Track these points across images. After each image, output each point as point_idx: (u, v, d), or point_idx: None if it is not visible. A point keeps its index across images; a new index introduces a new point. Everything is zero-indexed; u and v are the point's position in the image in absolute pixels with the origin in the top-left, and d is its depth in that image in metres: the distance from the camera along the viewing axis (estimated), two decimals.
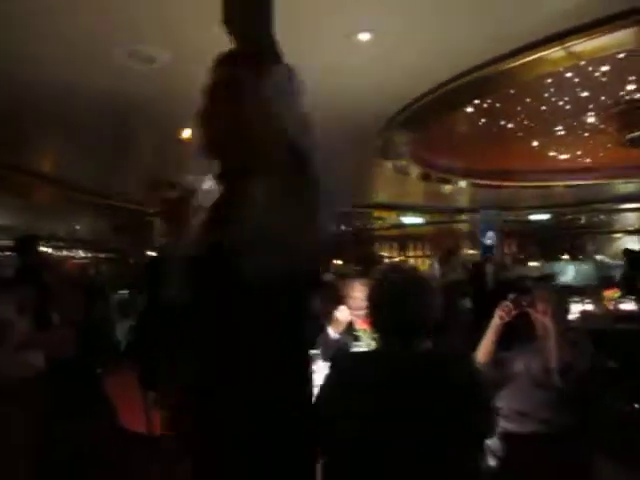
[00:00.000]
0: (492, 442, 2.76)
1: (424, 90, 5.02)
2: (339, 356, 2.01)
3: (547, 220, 14.63)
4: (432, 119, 5.72)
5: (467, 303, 8.54)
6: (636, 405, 4.67)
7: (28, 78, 4.59)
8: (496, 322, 2.78)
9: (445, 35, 4.01)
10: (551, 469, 2.50)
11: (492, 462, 2.68)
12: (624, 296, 7.05)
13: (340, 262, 13.67)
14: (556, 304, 2.71)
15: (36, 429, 2.41)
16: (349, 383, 1.66)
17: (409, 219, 14.65)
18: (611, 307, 6.67)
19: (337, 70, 4.53)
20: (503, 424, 2.73)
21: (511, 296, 2.80)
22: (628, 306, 6.52)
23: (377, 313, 1.80)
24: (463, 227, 15.94)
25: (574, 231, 15.99)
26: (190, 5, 3.44)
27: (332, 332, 3.23)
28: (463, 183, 10.00)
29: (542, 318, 2.72)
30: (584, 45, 3.97)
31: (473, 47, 4.17)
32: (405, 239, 17.73)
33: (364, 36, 3.84)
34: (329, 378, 1.71)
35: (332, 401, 1.64)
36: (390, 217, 14.61)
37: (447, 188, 10.53)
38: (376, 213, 14.17)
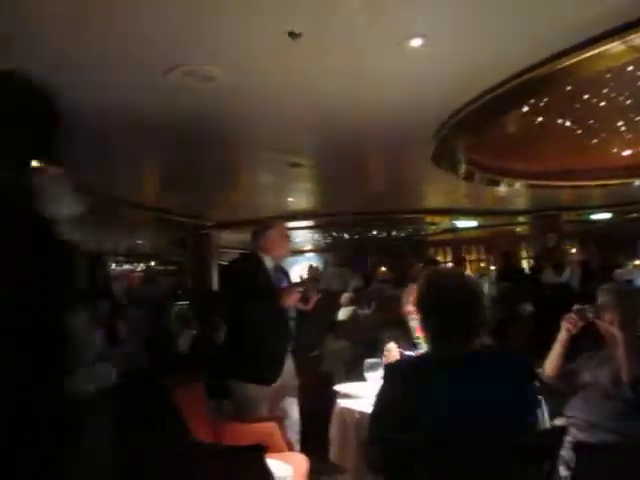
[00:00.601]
0: (565, 452, 2.69)
1: (477, 93, 4.95)
2: (392, 366, 2.06)
3: (609, 219, 14.04)
4: (486, 122, 5.62)
5: (528, 307, 8.35)
6: None
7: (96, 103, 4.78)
8: (563, 335, 2.71)
9: (497, 36, 3.94)
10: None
11: (564, 472, 2.60)
12: None
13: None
14: (625, 310, 2.60)
15: (112, 440, 2.50)
16: (408, 389, 1.73)
17: (462, 223, 14.41)
18: None
19: (389, 76, 4.55)
20: (574, 434, 2.66)
21: (576, 307, 2.71)
22: None
23: (426, 318, 1.86)
24: (521, 229, 15.53)
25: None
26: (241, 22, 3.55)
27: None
28: (518, 184, 9.76)
29: (609, 327, 2.63)
30: None
31: (526, 47, 4.08)
32: (459, 243, 17.45)
33: (416, 42, 3.83)
34: (388, 388, 1.81)
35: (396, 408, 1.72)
36: (443, 221, 14.42)
37: (503, 190, 10.30)
38: (429, 218, 14.02)
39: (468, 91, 4.97)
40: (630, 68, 4.71)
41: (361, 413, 2.82)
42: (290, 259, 17.58)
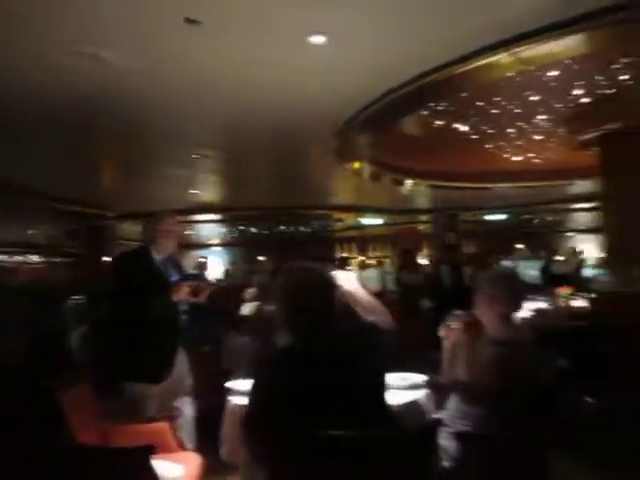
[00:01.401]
0: (446, 443, 2.80)
1: (379, 93, 5.07)
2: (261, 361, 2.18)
3: (503, 220, 14.99)
4: (388, 122, 5.78)
5: (427, 303, 8.70)
6: (590, 399, 4.82)
7: None
8: (445, 345, 2.80)
9: (398, 39, 4.05)
10: (505, 468, 2.54)
11: (446, 463, 2.71)
12: (576, 293, 7.27)
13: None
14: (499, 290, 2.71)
15: None
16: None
17: (368, 220, 14.77)
18: (564, 304, 6.87)
19: (292, 71, 4.54)
20: (457, 425, 2.77)
21: (453, 312, 2.83)
22: (580, 303, 6.70)
23: (286, 312, 1.94)
24: (424, 228, 16.18)
25: (529, 230, 16.44)
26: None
27: None
28: (421, 185, 10.17)
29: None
30: (532, 51, 4.07)
31: (425, 51, 4.23)
32: (365, 240, 17.87)
33: (318, 39, 3.84)
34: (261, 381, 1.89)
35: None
36: (349, 218, 14.71)
37: (406, 189, 10.68)
38: (336, 215, 14.26)
39: (369, 91, 5.07)
40: (519, 79, 4.99)
41: None
42: (195, 253, 17.26)
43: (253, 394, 1.91)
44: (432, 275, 10.11)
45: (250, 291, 7.98)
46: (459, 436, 2.73)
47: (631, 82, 5.37)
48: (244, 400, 2.88)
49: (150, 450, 2.37)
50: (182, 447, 3.24)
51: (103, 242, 11.94)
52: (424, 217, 14.87)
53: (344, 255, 17.47)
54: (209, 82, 4.78)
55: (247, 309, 7.38)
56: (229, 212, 12.87)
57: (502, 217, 14.70)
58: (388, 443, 1.79)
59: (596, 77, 5.34)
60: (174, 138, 6.66)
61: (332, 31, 3.80)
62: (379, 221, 14.97)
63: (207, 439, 3.32)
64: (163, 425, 3.19)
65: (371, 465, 1.75)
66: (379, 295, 9.10)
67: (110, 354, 3.60)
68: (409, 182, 9.83)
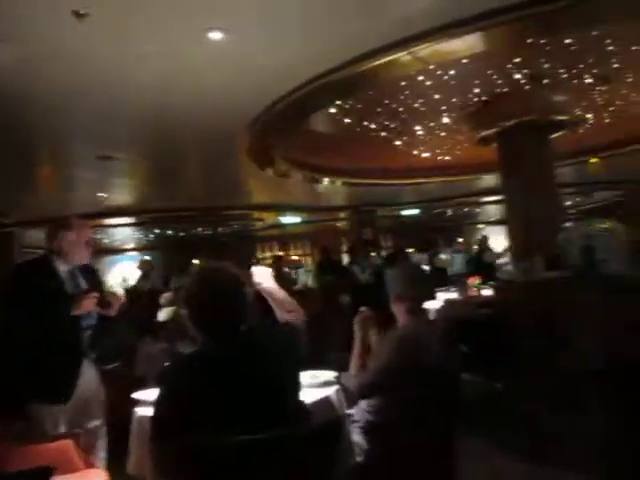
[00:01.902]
0: (358, 437, 2.83)
1: (285, 91, 5.05)
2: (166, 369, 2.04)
3: (417, 215, 15.48)
4: (296, 120, 5.78)
5: (346, 298, 8.83)
6: (498, 385, 5.07)
7: None
8: (357, 335, 2.85)
9: (301, 36, 4.05)
10: (411, 455, 2.60)
11: (359, 458, 2.74)
12: (485, 283, 7.61)
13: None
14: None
15: None
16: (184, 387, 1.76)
17: (288, 219, 14.78)
18: (474, 294, 7.18)
19: (196, 68, 4.44)
20: (366, 418, 2.81)
21: (362, 309, 2.89)
22: (488, 292, 7.02)
23: (194, 313, 1.90)
24: (342, 225, 16.39)
25: (442, 224, 17.09)
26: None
27: None
28: (337, 182, 10.28)
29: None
30: (429, 50, 4.20)
31: (328, 49, 4.26)
32: (286, 239, 17.89)
33: (216, 35, 3.76)
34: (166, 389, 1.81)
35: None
36: (269, 217, 14.66)
37: (322, 187, 10.78)
38: (255, 214, 14.16)
39: (276, 89, 5.05)
40: (421, 77, 5.16)
41: None
42: (110, 259, 16.59)
43: (159, 403, 1.83)
44: (350, 271, 10.30)
45: (166, 295, 7.74)
46: (366, 428, 2.78)
47: (524, 80, 5.69)
48: (150, 411, 2.80)
49: (48, 472, 2.25)
50: (88, 464, 3.09)
51: (5, 250, 11.14)
52: (342, 214, 15.06)
53: (266, 254, 17.39)
54: (104, 80, 4.55)
55: (163, 314, 7.16)
56: (143, 215, 12.41)
57: (416, 212, 15.16)
58: (299, 443, 1.78)
59: (493, 76, 5.62)
60: (77, 139, 6.34)
61: (231, 27, 3.73)
62: (298, 219, 15.01)
63: (119, 454, 3.18)
64: (66, 443, 3.01)
65: (282, 466, 1.73)
66: (299, 293, 9.16)
67: (8, 373, 3.33)
68: (325, 180, 9.92)
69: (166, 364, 3.15)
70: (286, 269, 11.76)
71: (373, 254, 10.77)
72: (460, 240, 12.33)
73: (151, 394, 3.07)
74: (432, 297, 2.81)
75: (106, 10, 3.41)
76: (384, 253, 11.86)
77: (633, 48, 5.13)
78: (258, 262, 12.25)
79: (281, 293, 2.67)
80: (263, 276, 2.62)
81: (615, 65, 5.52)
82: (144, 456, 2.85)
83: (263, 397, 1.78)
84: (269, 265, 10.73)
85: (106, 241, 14.98)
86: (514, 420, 4.33)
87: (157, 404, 1.84)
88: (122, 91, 4.86)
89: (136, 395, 3.14)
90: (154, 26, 3.70)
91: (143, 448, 2.85)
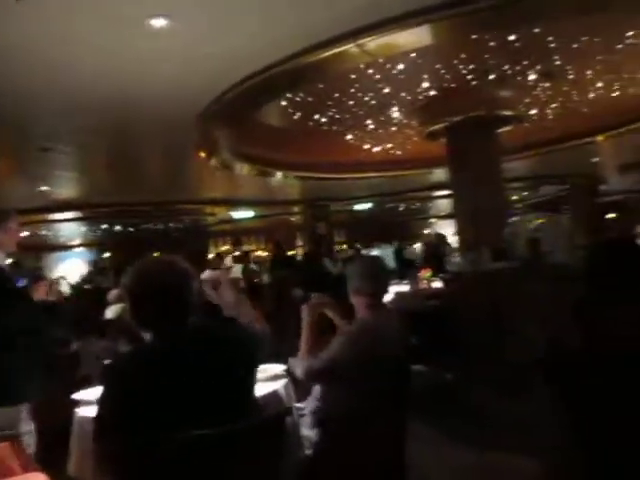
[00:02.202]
0: (308, 431, 2.82)
1: (233, 81, 4.96)
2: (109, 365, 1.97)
3: (370, 209, 15.60)
4: (245, 112, 5.69)
5: (299, 292, 8.81)
6: (448, 375, 5.17)
7: None
8: (305, 320, 2.83)
9: (245, 27, 3.98)
10: (367, 445, 2.60)
11: (308, 451, 2.73)
12: (435, 275, 7.74)
13: None
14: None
15: None
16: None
17: (240, 213, 14.64)
18: (425, 286, 7.29)
19: (137, 56, 4.29)
20: (318, 411, 2.80)
21: (313, 295, 2.90)
22: (438, 284, 7.14)
23: (137, 307, 1.83)
24: (296, 219, 16.36)
25: (395, 218, 17.32)
26: None
27: None
28: (289, 176, 10.24)
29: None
30: (377, 43, 4.21)
31: (273, 41, 4.21)
32: (239, 233, 17.72)
33: (158, 22, 3.64)
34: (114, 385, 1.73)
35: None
36: (222, 212, 14.48)
37: (275, 181, 10.71)
38: (208, 208, 13.95)
39: (224, 79, 4.94)
40: (370, 71, 5.17)
41: None
42: (56, 255, 16.04)
43: (103, 401, 1.74)
44: (304, 265, 10.30)
45: (114, 292, 7.50)
46: (315, 421, 2.78)
47: (471, 76, 5.79)
48: (93, 410, 2.70)
49: None
50: (27, 468, 2.96)
51: None
52: (295, 209, 15.03)
53: (219, 249, 17.17)
54: (44, 69, 4.35)
55: (110, 312, 6.94)
56: (90, 210, 12.01)
57: (369, 206, 15.28)
58: (245, 437, 1.74)
59: (441, 71, 5.69)
60: (17, 130, 6.05)
61: (175, 14, 3.62)
62: (251, 214, 14.89)
63: (59, 455, 3.07)
64: (1, 447, 2.89)
65: (229, 461, 1.69)
66: (253, 287, 9.10)
67: None
68: (278, 174, 9.86)
69: (108, 361, 3.06)
70: (253, 265, 11.63)
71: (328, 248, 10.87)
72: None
73: (92, 394, 2.97)
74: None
75: None
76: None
77: (574, 45, 5.29)
78: (219, 258, 12.03)
79: (231, 291, 2.62)
80: (213, 274, 2.57)
81: (557, 62, 5.68)
82: (85, 457, 2.76)
83: (209, 393, 1.73)
84: (237, 260, 10.65)
85: (51, 237, 14.48)
86: (463, 409, 4.43)
87: (101, 402, 1.75)
88: (64, 81, 4.66)
89: (76, 395, 3.03)
90: (95, 13, 3.54)
91: (84, 449, 2.76)
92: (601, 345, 2.05)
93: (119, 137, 6.89)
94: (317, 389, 2.90)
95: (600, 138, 9.09)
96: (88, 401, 2.91)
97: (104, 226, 13.95)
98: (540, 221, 6.07)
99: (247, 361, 1.91)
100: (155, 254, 13.34)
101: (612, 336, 2.06)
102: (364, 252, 10.19)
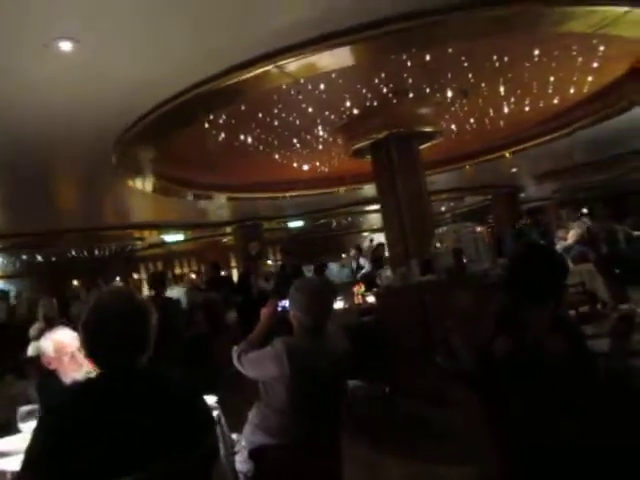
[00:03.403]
0: (243, 464, 2.74)
1: (150, 105, 4.85)
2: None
3: (303, 226, 15.67)
4: (165, 134, 5.57)
5: (233, 315, 8.67)
6: (385, 390, 5.21)
7: None
8: (264, 319, 2.96)
9: (160, 49, 3.90)
10: (306, 474, 2.56)
11: None
12: (368, 290, 7.83)
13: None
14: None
15: None
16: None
17: (170, 237, 14.30)
18: (359, 301, 7.35)
19: (44, 81, 4.12)
20: (253, 441, 2.73)
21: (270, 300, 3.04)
22: (371, 299, 7.21)
23: (94, 338, 1.76)
24: (228, 240, 16.16)
25: (328, 234, 17.46)
26: None
27: None
28: (221, 198, 10.11)
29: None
30: (297, 64, 4.24)
31: (190, 63, 4.16)
32: (170, 256, 17.29)
33: (65, 45, 3.50)
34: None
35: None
36: (151, 236, 14.09)
37: (205, 203, 10.55)
38: (136, 233, 13.53)
39: (139, 102, 4.82)
40: (292, 92, 5.19)
41: (14, 474, 2.42)
42: None
43: (32, 448, 1.62)
44: (239, 285, 10.18)
45: (36, 327, 7.05)
46: (253, 453, 2.71)
47: (391, 94, 5.94)
48: (9, 463, 2.50)
49: None
50: None
51: None
52: (227, 229, 14.86)
53: (150, 273, 16.66)
54: None
55: (32, 348, 6.49)
56: (6, 240, 11.36)
57: (301, 223, 15.34)
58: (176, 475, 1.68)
59: (362, 90, 5.81)
60: None
61: (83, 37, 3.50)
62: (181, 237, 14.57)
63: None
64: None
65: None
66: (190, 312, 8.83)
67: None
68: (205, 195, 9.73)
69: (26, 407, 2.86)
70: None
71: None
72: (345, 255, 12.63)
73: (8, 443, 2.76)
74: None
75: None
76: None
77: (486, 64, 5.55)
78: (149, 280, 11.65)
79: None
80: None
81: (471, 80, 5.93)
82: None
83: (151, 429, 1.66)
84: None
85: None
86: (399, 421, 4.47)
87: (33, 446, 1.64)
88: None
89: None
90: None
91: None
92: (522, 350, 2.12)
93: (37, 164, 6.55)
94: (252, 417, 2.84)
95: (507, 154, 9.61)
96: (4, 452, 2.71)
97: (24, 257, 13.22)
98: (463, 231, 6.27)
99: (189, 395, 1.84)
100: (83, 282, 12.78)
101: (531, 340, 2.14)
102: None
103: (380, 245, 10.85)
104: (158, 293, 5.79)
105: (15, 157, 5.98)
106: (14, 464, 2.45)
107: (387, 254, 9.91)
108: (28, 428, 2.68)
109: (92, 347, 1.77)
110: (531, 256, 2.37)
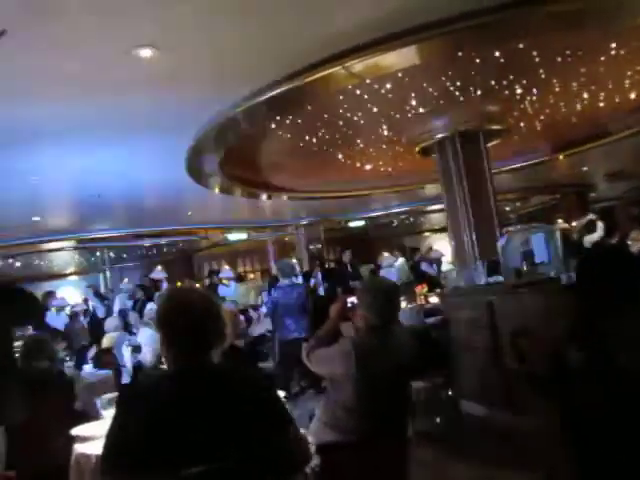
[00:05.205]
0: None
1: (223, 107, 4.99)
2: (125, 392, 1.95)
3: (363, 226, 15.63)
4: (235, 136, 5.72)
5: None
6: (450, 392, 5.15)
7: None
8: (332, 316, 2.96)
9: (230, 55, 4.02)
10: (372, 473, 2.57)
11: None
12: (431, 291, 7.73)
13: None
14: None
15: None
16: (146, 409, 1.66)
17: (234, 235, 14.63)
18: (422, 302, 7.27)
19: (124, 85, 4.31)
20: (323, 435, 2.77)
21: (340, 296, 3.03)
22: (434, 300, 7.12)
23: (170, 332, 1.82)
24: (289, 239, 16.35)
25: (390, 233, 17.32)
26: None
27: None
28: (283, 197, 10.28)
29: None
30: (363, 64, 4.26)
31: (258, 67, 4.26)
32: (234, 256, 17.66)
33: (145, 52, 3.67)
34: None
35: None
36: (216, 235, 14.47)
37: (268, 202, 10.74)
38: (201, 231, 13.95)
39: (210, 107, 4.98)
40: (358, 92, 5.21)
41: (98, 458, 2.55)
42: (52, 284, 15.92)
43: (111, 434, 1.70)
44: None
45: (110, 320, 7.37)
46: (320, 448, 2.74)
47: (458, 92, 5.84)
48: (93, 447, 2.65)
49: None
50: None
51: None
52: (289, 228, 15.04)
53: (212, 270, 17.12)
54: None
55: (107, 340, 6.81)
56: (82, 239, 11.99)
57: (362, 223, 15.32)
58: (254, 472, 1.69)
59: (428, 88, 5.74)
60: None
61: (161, 44, 3.66)
62: (244, 236, 14.86)
63: None
64: None
65: None
66: (254, 309, 9.01)
67: None
68: (270, 195, 9.90)
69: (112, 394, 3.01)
70: None
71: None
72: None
73: (92, 429, 2.93)
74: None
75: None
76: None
77: (557, 59, 5.36)
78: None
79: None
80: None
81: (542, 76, 5.74)
82: None
83: (225, 428, 1.68)
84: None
85: (44, 267, 14.41)
86: (464, 424, 4.41)
87: (112, 433, 1.71)
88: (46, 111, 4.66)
89: (75, 431, 2.98)
90: (79, 41, 3.58)
91: None
92: (597, 363, 1.98)
93: None
94: (319, 415, 2.89)
95: (560, 157, 9.24)
96: (88, 437, 2.86)
97: (98, 254, 13.91)
98: (533, 232, 6.06)
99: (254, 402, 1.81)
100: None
101: (608, 354, 1.99)
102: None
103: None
104: None
105: None
106: (98, 448, 2.60)
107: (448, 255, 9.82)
108: (109, 415, 2.83)
109: (168, 342, 1.82)
110: (604, 258, 2.18)
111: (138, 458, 1.61)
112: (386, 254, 10.82)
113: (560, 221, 12.28)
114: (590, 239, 8.37)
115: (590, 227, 8.60)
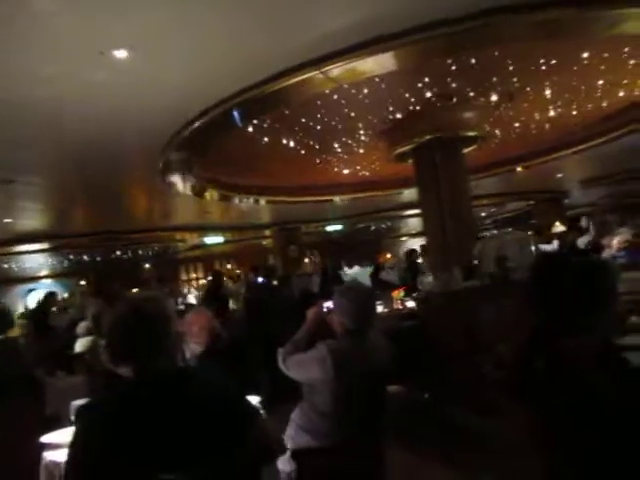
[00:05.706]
0: (283, 462, 2.76)
1: (197, 110, 4.96)
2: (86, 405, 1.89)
3: (341, 230, 15.67)
4: (211, 139, 5.67)
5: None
6: (426, 396, 5.17)
7: None
8: (309, 320, 2.96)
9: (208, 57, 3.99)
10: (348, 477, 2.57)
11: None
12: (407, 295, 7.75)
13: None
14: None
15: None
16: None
17: (211, 239, 14.52)
18: (399, 306, 7.28)
19: (98, 86, 4.25)
20: (300, 440, 2.76)
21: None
22: (411, 304, 7.14)
23: (121, 343, 1.76)
24: (267, 243, 16.31)
25: (367, 238, 17.40)
26: None
27: None
28: (261, 201, 10.22)
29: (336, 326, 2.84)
30: (341, 70, 4.26)
31: (236, 70, 4.23)
32: (210, 259, 17.57)
33: (121, 53, 3.63)
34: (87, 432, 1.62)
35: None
36: (192, 238, 14.34)
37: (246, 206, 10.67)
38: (178, 235, 13.81)
39: (188, 108, 4.94)
40: (335, 97, 5.23)
41: None
42: (25, 287, 15.63)
43: (76, 444, 1.63)
44: (278, 288, 10.24)
45: (83, 324, 7.25)
46: (296, 453, 2.73)
47: (434, 98, 5.90)
48: (63, 455, 2.59)
49: None
50: None
51: None
52: (267, 232, 15.00)
53: (191, 276, 16.99)
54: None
55: (80, 345, 6.70)
56: (56, 240, 11.75)
57: (339, 227, 15.34)
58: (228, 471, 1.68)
59: (405, 95, 5.78)
60: None
61: (137, 45, 3.62)
62: (221, 239, 14.77)
63: None
64: None
65: None
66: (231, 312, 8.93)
67: None
68: (247, 199, 9.84)
69: (85, 400, 2.95)
70: None
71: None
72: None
73: (62, 436, 2.86)
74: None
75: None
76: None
77: (531, 68, 5.45)
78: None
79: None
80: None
81: (516, 84, 5.83)
82: None
83: (186, 439, 1.64)
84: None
85: (17, 269, 14.12)
86: (440, 427, 4.43)
87: (73, 446, 1.65)
88: (20, 112, 4.59)
89: (45, 438, 2.92)
90: (53, 45, 3.52)
91: None
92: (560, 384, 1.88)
93: (85, 168, 6.77)
94: (294, 419, 2.88)
95: (519, 169, 9.42)
96: (57, 444, 2.80)
97: (71, 257, 13.65)
98: (507, 237, 6.14)
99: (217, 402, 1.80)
100: (126, 283, 13.12)
101: (570, 374, 1.91)
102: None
103: (413, 250, 10.75)
104: None
105: (67, 159, 6.19)
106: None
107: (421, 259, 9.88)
108: None
109: (122, 352, 1.76)
110: (557, 267, 1.93)
111: (103, 474, 1.57)
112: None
113: (557, 224, 12.55)
114: (582, 241, 8.72)
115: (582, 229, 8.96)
